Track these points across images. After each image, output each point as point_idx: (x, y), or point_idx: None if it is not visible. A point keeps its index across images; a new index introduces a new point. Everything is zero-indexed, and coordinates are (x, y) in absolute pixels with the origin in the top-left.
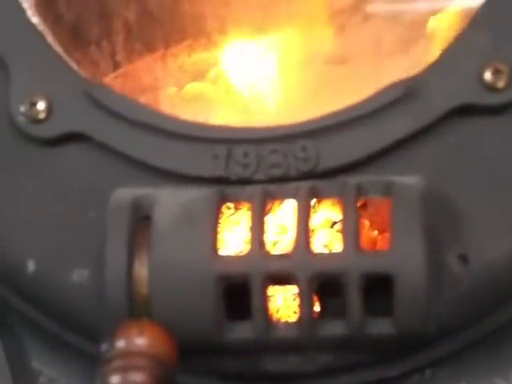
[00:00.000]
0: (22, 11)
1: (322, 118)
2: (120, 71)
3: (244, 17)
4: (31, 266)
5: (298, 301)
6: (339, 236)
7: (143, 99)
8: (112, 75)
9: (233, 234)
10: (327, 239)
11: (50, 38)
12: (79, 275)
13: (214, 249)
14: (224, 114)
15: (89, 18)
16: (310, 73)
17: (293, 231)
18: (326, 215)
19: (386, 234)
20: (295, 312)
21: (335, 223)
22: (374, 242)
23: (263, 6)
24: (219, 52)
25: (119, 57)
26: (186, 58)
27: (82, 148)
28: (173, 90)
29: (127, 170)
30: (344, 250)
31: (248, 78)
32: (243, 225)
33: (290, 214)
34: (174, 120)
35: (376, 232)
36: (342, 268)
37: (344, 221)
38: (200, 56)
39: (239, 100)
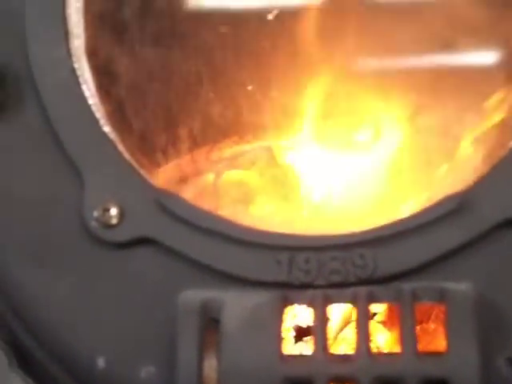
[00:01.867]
0: (95, 121)
1: (379, 228)
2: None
3: (294, 120)
4: (101, 363)
5: None
6: (380, 327)
7: (184, 187)
8: (161, 169)
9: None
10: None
11: (120, 146)
12: (147, 372)
13: (280, 351)
14: (263, 203)
15: (156, 127)
16: (361, 180)
17: (335, 323)
18: None
19: (424, 325)
20: None
21: (375, 314)
22: None
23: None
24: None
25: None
26: (229, 149)
27: (150, 251)
28: (211, 176)
29: (194, 272)
30: (403, 353)
31: (292, 172)
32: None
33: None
34: (239, 226)
35: None
36: (402, 372)
37: (402, 325)
38: (243, 148)
39: (280, 190)
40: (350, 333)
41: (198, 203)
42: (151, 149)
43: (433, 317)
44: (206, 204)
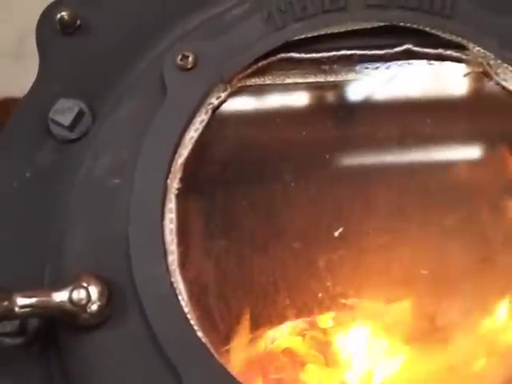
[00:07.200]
0: (191, 328)
1: None
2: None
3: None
4: None
5: None
6: None
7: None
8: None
9: None
10: None
11: (210, 347)
12: None
13: None
14: (312, 370)
15: (239, 329)
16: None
17: None
18: None
19: None
20: None
21: None
22: None
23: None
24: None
25: None
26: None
27: None
28: (263, 344)
29: None
30: None
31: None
32: None
33: None
34: None
35: None
36: None
37: None
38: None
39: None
40: None
41: (252, 368)
42: (234, 347)
43: None
44: (258, 369)
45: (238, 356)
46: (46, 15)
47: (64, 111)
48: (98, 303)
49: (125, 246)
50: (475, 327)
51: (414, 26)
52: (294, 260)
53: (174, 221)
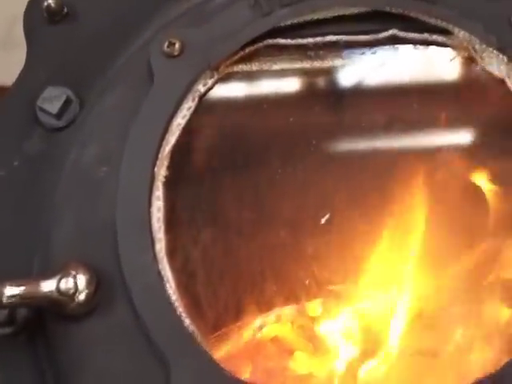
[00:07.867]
0: (178, 316)
1: None
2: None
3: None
4: None
5: None
6: None
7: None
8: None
9: None
10: None
11: (198, 336)
12: None
13: None
14: (301, 358)
15: (227, 316)
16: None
17: None
18: None
19: None
20: None
21: None
22: None
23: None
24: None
25: None
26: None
27: None
28: (251, 331)
29: None
30: None
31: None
32: None
33: None
34: None
35: None
36: None
37: None
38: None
39: (315, 347)
40: None
41: (241, 356)
42: (222, 336)
43: None
44: (246, 357)
45: (226, 344)
46: (33, 3)
47: (51, 99)
48: (86, 291)
49: (112, 234)
50: (463, 314)
51: (400, 11)
52: (281, 247)
53: (162, 209)
